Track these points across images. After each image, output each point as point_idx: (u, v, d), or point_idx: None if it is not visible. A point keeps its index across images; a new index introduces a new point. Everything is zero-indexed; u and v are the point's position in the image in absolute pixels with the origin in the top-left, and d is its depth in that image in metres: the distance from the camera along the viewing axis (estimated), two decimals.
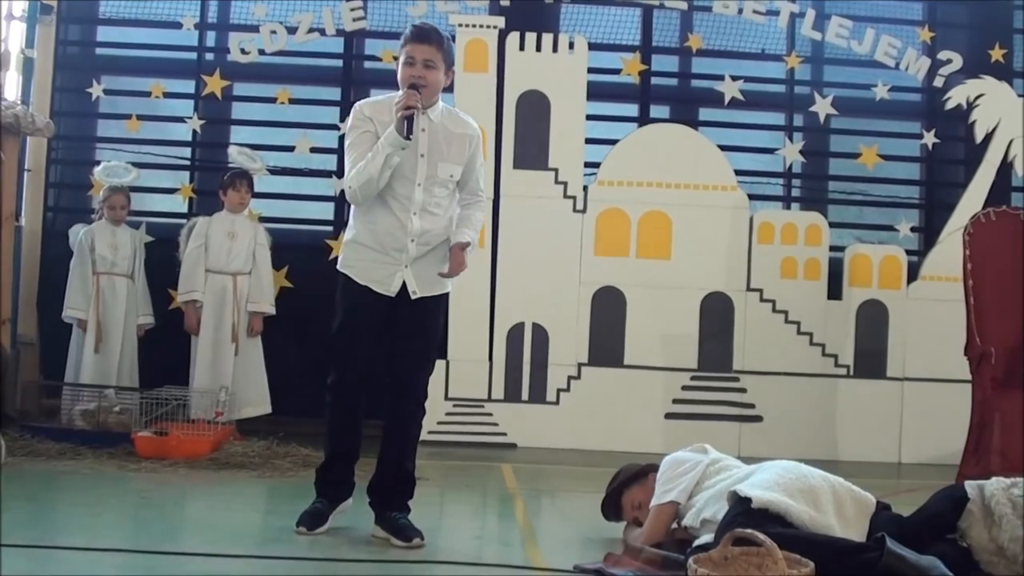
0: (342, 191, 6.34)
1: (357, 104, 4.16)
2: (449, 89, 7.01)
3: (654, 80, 7.79)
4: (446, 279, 4.14)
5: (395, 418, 4.18)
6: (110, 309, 6.61)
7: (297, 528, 4.08)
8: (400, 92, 3.97)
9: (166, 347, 6.74)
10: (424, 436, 6.60)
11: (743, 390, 7.07)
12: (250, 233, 6.67)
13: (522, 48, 7.14)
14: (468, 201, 4.22)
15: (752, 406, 7.07)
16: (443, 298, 4.21)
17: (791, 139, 7.72)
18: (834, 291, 7.18)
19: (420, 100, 3.92)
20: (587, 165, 7.18)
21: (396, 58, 4.12)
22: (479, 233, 4.31)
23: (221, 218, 6.65)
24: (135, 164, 7.14)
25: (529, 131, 7.10)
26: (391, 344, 4.13)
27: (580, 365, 7.06)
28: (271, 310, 6.69)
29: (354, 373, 4.12)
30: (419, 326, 4.11)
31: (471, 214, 4.21)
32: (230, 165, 6.95)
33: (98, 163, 7.53)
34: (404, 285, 4.06)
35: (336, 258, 4.27)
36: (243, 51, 7.51)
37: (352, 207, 4.18)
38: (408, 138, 3.89)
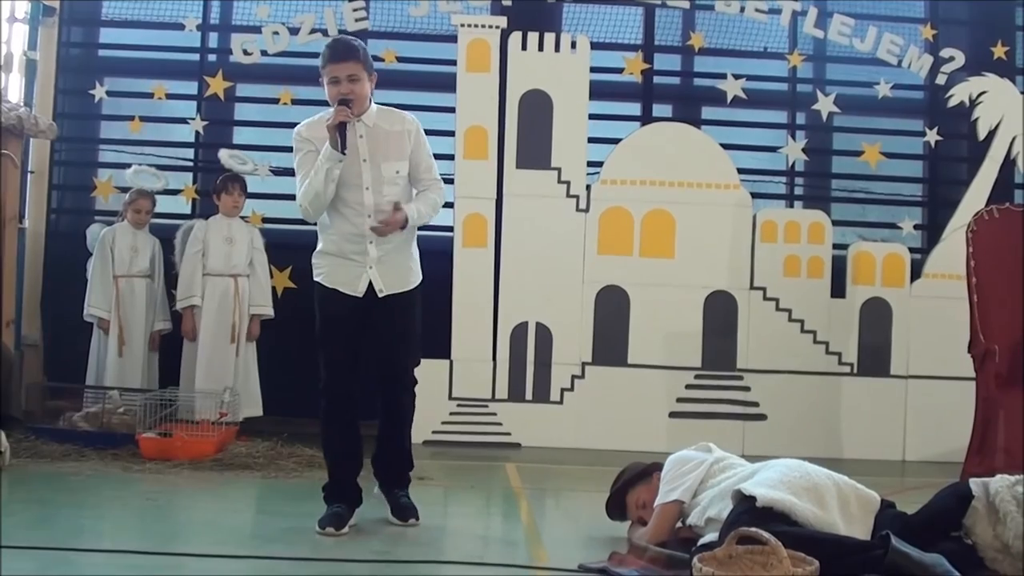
0: None
1: (295, 128, 4.36)
2: (452, 88, 7.12)
3: (656, 79, 7.78)
4: (412, 275, 4.39)
5: (388, 404, 4.45)
6: (130, 311, 6.60)
7: (324, 530, 4.12)
8: (331, 109, 4.17)
9: (169, 348, 6.75)
10: (428, 436, 6.75)
11: (747, 388, 7.06)
12: (247, 237, 6.67)
13: (524, 48, 7.14)
14: (423, 188, 4.40)
15: (756, 404, 7.06)
16: (414, 293, 4.39)
17: (794, 137, 7.71)
18: (837, 289, 7.17)
19: (351, 113, 4.14)
20: (590, 164, 7.16)
21: (321, 78, 4.28)
22: (432, 210, 4.41)
23: (217, 223, 6.64)
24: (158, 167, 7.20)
25: (532, 131, 7.09)
26: (374, 343, 4.34)
27: (584, 364, 7.05)
28: (271, 313, 6.70)
29: (340, 372, 4.29)
30: (394, 322, 4.32)
31: (425, 194, 4.38)
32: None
33: (102, 165, 7.56)
34: (371, 285, 4.26)
35: None
36: (245, 52, 7.50)
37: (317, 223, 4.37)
38: (343, 152, 4.10)
